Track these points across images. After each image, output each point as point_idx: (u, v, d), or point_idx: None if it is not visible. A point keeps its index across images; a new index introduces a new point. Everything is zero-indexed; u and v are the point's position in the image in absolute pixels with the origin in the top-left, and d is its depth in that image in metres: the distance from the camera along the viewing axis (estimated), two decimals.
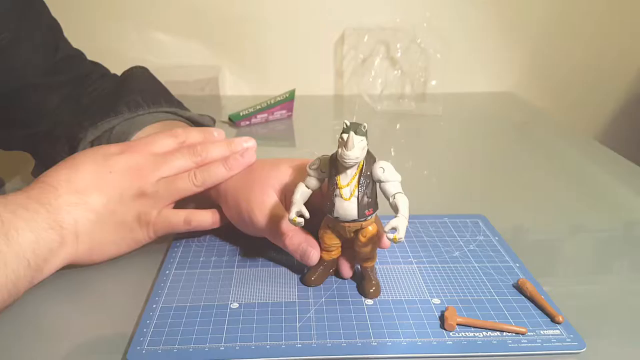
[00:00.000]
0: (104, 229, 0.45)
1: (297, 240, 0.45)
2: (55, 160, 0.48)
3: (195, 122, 0.63)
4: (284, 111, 0.90)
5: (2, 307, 0.39)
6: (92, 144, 0.56)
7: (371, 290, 0.43)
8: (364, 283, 0.43)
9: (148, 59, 1.01)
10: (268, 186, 0.47)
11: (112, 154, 0.48)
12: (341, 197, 0.40)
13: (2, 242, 0.38)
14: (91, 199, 0.45)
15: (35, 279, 0.41)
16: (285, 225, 0.45)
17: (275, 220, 0.45)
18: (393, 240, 0.37)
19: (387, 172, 0.39)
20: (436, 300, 0.42)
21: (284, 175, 0.47)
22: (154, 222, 0.47)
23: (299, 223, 0.41)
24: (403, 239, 0.38)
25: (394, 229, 0.38)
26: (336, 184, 0.40)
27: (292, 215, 0.41)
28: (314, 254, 0.44)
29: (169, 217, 0.48)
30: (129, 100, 0.58)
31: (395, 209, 0.39)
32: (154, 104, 0.59)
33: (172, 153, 0.50)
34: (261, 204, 0.46)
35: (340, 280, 0.45)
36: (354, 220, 0.41)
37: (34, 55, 0.60)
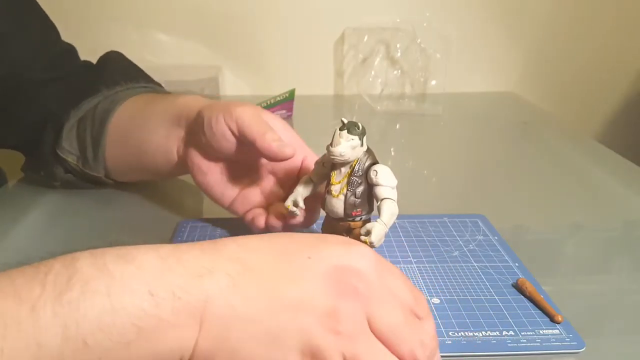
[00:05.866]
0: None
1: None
2: (42, 149, 0.46)
3: None
4: (283, 111, 0.90)
5: None
6: (78, 125, 0.57)
7: None
8: None
9: (148, 59, 1.01)
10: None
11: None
12: (331, 193, 0.40)
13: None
14: None
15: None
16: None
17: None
18: (365, 243, 0.37)
19: (379, 176, 0.39)
20: (436, 300, 0.42)
21: None
22: None
23: (292, 212, 0.42)
24: (375, 244, 0.37)
25: (368, 232, 0.38)
26: (329, 180, 0.40)
27: (288, 202, 0.42)
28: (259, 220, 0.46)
29: None
30: (106, 79, 0.59)
31: (379, 213, 0.39)
32: (131, 81, 0.59)
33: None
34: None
35: None
36: (341, 219, 0.41)
37: (28, 52, 0.59)
